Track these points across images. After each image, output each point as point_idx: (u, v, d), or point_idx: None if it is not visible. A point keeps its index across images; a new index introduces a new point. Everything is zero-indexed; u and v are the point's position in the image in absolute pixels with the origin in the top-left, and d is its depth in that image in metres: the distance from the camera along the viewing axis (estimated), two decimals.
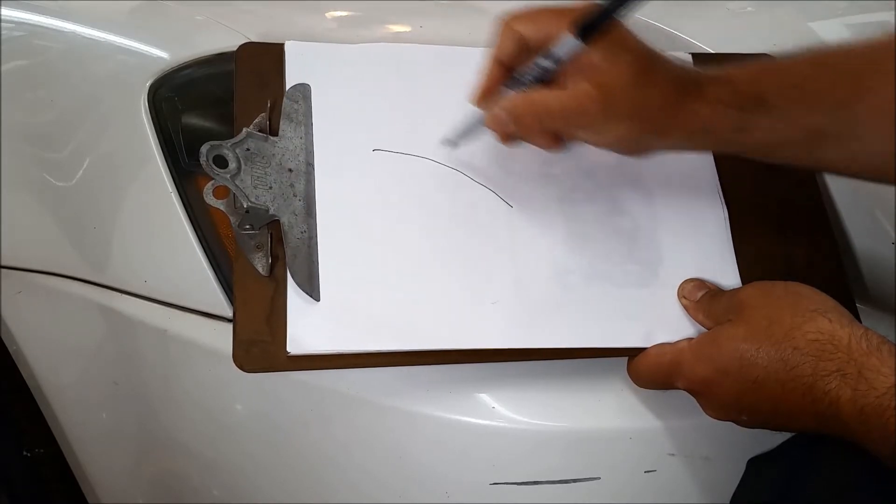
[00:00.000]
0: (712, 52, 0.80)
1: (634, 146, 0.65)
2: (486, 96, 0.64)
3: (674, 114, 0.61)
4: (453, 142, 0.68)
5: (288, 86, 0.68)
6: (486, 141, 0.69)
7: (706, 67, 0.63)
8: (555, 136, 0.66)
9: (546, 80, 0.61)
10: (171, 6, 0.79)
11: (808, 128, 0.61)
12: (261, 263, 0.63)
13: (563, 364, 0.67)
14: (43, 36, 0.80)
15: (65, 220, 0.81)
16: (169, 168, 0.73)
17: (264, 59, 0.70)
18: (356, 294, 0.63)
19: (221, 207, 0.64)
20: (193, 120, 0.75)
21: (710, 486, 0.69)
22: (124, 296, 0.77)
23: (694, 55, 0.76)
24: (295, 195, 0.64)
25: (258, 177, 0.63)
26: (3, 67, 0.80)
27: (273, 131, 0.66)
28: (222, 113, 0.71)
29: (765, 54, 0.64)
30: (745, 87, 0.61)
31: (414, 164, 0.68)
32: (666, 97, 0.60)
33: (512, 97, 0.62)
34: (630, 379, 0.67)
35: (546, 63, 0.60)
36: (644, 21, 0.80)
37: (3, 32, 0.79)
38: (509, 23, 0.62)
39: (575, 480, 0.68)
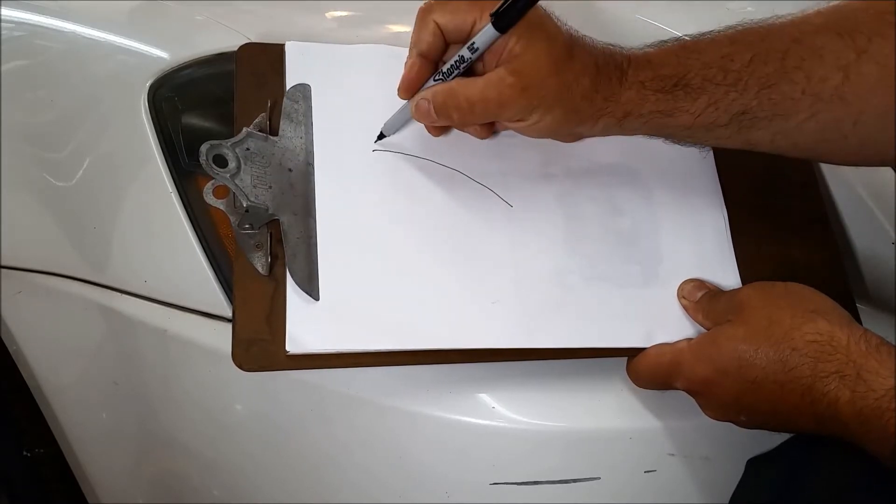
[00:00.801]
0: None
1: (562, 134, 0.65)
2: (409, 88, 0.64)
3: (596, 101, 0.60)
4: (386, 134, 0.68)
5: (288, 86, 0.68)
6: (486, 140, 0.69)
7: (630, 49, 0.62)
8: (483, 125, 0.66)
9: (468, 69, 0.61)
10: (171, 6, 0.79)
11: (732, 110, 0.61)
12: (260, 263, 0.63)
13: (563, 364, 0.67)
14: (43, 36, 0.80)
15: (65, 220, 0.81)
16: (169, 168, 0.73)
17: (265, 59, 0.70)
18: (356, 293, 0.63)
19: (221, 207, 0.64)
20: (193, 120, 0.75)
21: (710, 487, 0.69)
22: (124, 296, 0.77)
23: None
24: (295, 195, 0.64)
25: (258, 176, 0.63)
26: (3, 67, 0.80)
27: (273, 131, 0.66)
28: (222, 113, 0.71)
29: (687, 35, 0.64)
30: (666, 69, 0.61)
31: (413, 164, 0.68)
32: (587, 85, 0.60)
33: (433, 88, 0.62)
34: (629, 379, 0.67)
35: (466, 53, 0.60)
36: (645, 21, 0.80)
37: (3, 32, 0.79)
38: (426, 12, 0.61)
39: (575, 480, 0.68)
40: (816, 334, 0.57)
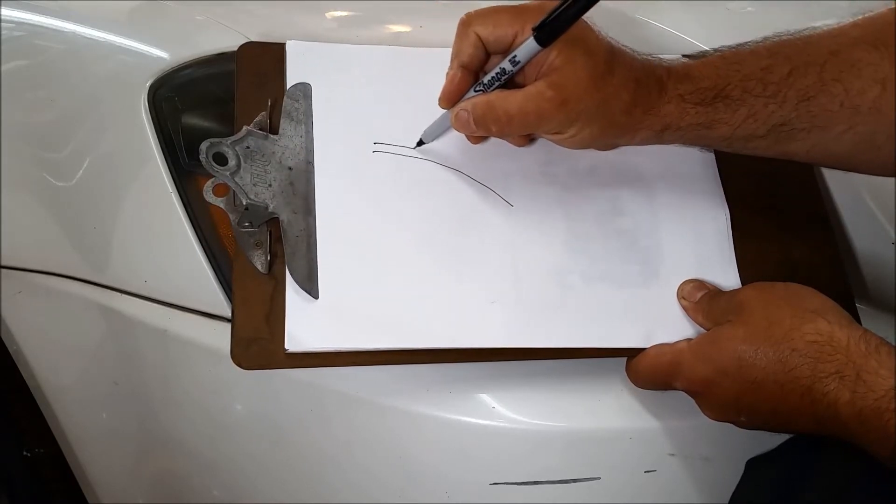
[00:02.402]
0: None
1: (598, 146, 0.65)
2: (450, 98, 0.64)
3: (636, 115, 0.61)
4: (425, 141, 0.68)
5: (289, 85, 0.68)
6: (487, 140, 0.69)
7: (669, 61, 0.63)
8: (522, 135, 0.67)
9: (508, 80, 0.61)
10: (171, 6, 0.79)
11: (771, 121, 0.61)
12: (260, 261, 0.63)
13: (563, 364, 0.67)
14: (43, 36, 0.80)
15: (65, 220, 0.81)
16: (169, 168, 0.73)
17: (265, 58, 0.70)
18: (355, 292, 0.63)
19: (221, 205, 0.64)
20: (193, 120, 0.75)
21: (710, 487, 0.69)
22: (124, 296, 0.77)
23: None
24: (294, 193, 0.64)
25: (258, 174, 0.63)
26: (3, 67, 0.80)
27: (273, 130, 0.66)
28: (222, 113, 0.71)
29: (725, 47, 0.64)
30: (707, 82, 0.61)
31: (414, 163, 0.68)
32: (626, 100, 0.60)
33: (473, 100, 0.62)
34: (629, 379, 0.67)
35: (507, 66, 0.60)
36: (644, 21, 0.80)
37: (3, 32, 0.79)
38: (467, 24, 0.61)
39: (575, 480, 0.68)
40: (816, 335, 0.57)
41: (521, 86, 0.61)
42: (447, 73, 0.64)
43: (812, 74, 0.60)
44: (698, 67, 0.62)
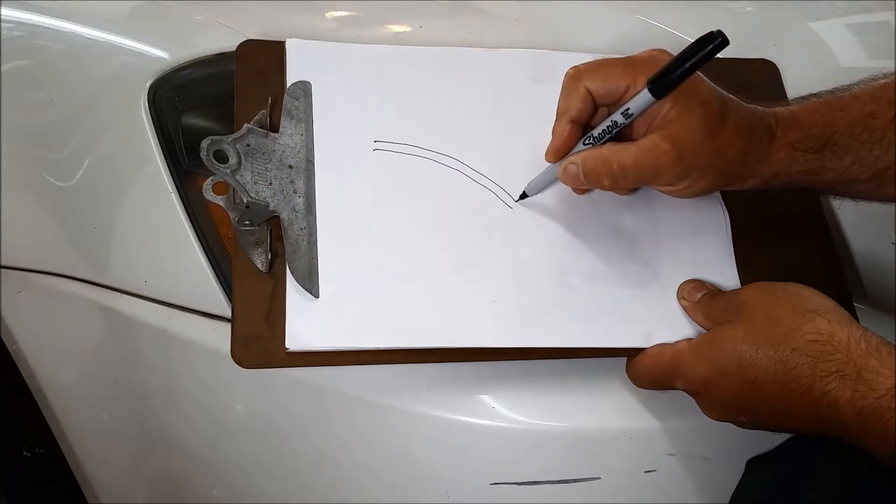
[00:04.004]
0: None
1: (708, 193, 0.65)
2: (558, 153, 0.64)
3: (748, 164, 0.61)
4: (528, 194, 0.68)
5: (289, 83, 0.68)
6: (487, 139, 0.69)
7: (773, 106, 0.63)
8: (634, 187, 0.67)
9: (618, 133, 0.61)
10: (171, 6, 0.79)
11: (875, 166, 0.62)
12: (260, 260, 0.63)
13: (563, 364, 0.67)
14: (43, 36, 0.80)
15: (65, 220, 0.81)
16: (169, 168, 0.74)
17: (265, 56, 0.70)
18: (356, 291, 0.63)
19: (221, 203, 0.64)
20: (193, 120, 0.75)
21: (710, 487, 0.69)
22: (124, 296, 0.78)
23: None
24: (295, 192, 0.64)
25: (258, 172, 0.63)
26: (3, 67, 0.80)
27: (274, 128, 0.66)
28: (223, 113, 0.71)
29: (824, 92, 0.65)
30: (815, 129, 0.62)
31: (414, 163, 0.68)
32: (740, 149, 0.60)
33: (584, 154, 0.62)
34: (629, 379, 0.67)
35: (619, 119, 0.60)
36: (645, 22, 0.80)
37: (3, 32, 0.79)
38: (576, 79, 0.61)
39: (575, 480, 0.68)
40: (817, 334, 0.57)
41: (628, 138, 0.61)
42: (554, 129, 0.63)
43: None
44: (804, 114, 0.62)
